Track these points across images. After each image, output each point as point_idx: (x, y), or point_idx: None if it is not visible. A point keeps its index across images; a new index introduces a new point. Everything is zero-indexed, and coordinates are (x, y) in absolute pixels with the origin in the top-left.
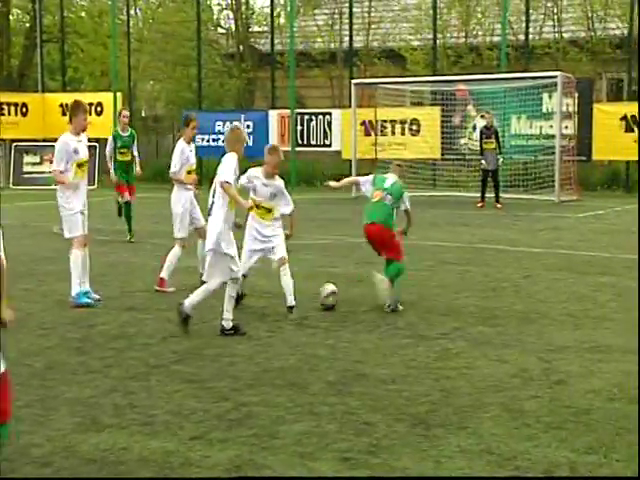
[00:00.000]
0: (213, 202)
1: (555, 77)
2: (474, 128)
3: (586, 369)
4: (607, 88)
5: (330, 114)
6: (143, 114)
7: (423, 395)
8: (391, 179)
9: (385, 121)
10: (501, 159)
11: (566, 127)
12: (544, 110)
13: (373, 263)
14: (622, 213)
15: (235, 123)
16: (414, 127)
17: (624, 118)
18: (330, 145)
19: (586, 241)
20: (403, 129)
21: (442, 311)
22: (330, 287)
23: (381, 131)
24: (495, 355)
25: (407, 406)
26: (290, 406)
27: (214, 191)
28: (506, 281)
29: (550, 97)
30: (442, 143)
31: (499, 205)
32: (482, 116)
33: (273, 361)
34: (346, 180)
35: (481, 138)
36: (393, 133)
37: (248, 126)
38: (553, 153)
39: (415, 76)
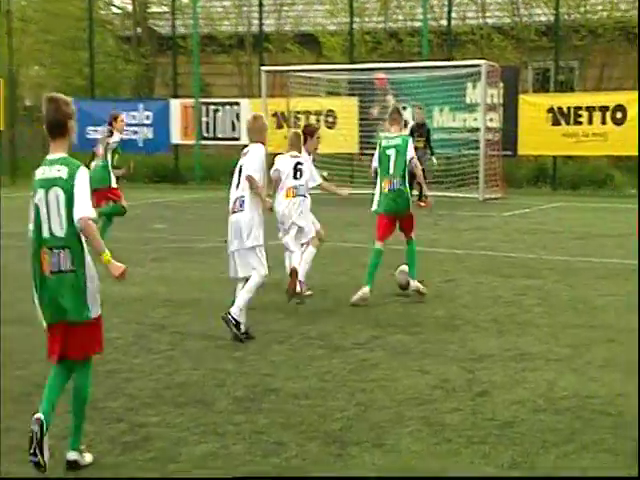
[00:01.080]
0: (242, 197)
1: (479, 66)
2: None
3: (510, 379)
4: (533, 78)
5: (238, 104)
6: (27, 103)
7: (338, 410)
8: (393, 141)
9: (299, 112)
10: (435, 161)
11: (491, 119)
12: (468, 101)
13: (286, 267)
14: (548, 211)
15: (254, 113)
16: (330, 119)
17: (551, 110)
18: (239, 138)
19: (511, 242)
20: (318, 121)
21: (358, 319)
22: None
23: (294, 123)
24: (415, 365)
25: (320, 423)
26: (192, 426)
27: (239, 185)
28: (427, 285)
29: (474, 87)
30: (360, 137)
31: (422, 204)
32: (404, 108)
33: (174, 377)
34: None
35: (412, 136)
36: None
37: (147, 117)
38: (477, 148)
39: (331, 63)
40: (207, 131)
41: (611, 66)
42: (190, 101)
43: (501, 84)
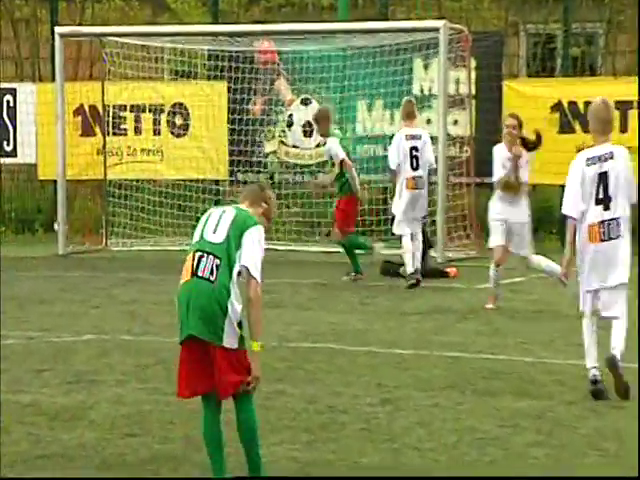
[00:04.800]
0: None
1: (436, 30)
2: (290, 124)
3: None
4: (528, 52)
5: (14, 92)
6: None
7: None
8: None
9: (122, 108)
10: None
11: (456, 122)
12: (416, 91)
13: None
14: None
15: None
16: (178, 120)
17: (558, 107)
18: (14, 152)
19: (492, 334)
20: (157, 122)
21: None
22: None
23: (115, 126)
24: None
25: None
26: None
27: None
28: (348, 411)
29: (427, 68)
30: (231, 151)
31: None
32: (306, 101)
33: None
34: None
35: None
36: (138, 131)
37: None
38: (431, 172)
39: (179, 23)
40: None
41: None
42: None
43: (473, 63)
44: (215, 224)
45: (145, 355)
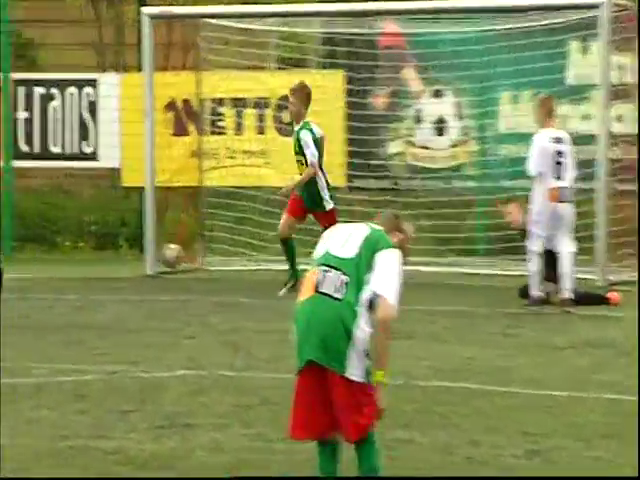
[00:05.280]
0: None
1: (597, 6)
2: (419, 120)
3: None
4: None
5: (94, 83)
6: None
7: None
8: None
9: (221, 102)
10: None
11: (619, 118)
12: (571, 80)
13: None
14: None
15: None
16: (286, 116)
17: None
18: (94, 155)
19: None
20: (262, 119)
21: None
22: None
23: (212, 124)
24: None
25: None
26: None
27: None
28: (488, 463)
29: (584, 52)
30: (349, 152)
31: (567, 308)
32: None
33: None
34: None
35: None
36: (239, 129)
37: None
38: (590, 177)
39: (288, 2)
40: (28, 142)
41: None
42: None
43: None
44: (344, 239)
45: (247, 394)
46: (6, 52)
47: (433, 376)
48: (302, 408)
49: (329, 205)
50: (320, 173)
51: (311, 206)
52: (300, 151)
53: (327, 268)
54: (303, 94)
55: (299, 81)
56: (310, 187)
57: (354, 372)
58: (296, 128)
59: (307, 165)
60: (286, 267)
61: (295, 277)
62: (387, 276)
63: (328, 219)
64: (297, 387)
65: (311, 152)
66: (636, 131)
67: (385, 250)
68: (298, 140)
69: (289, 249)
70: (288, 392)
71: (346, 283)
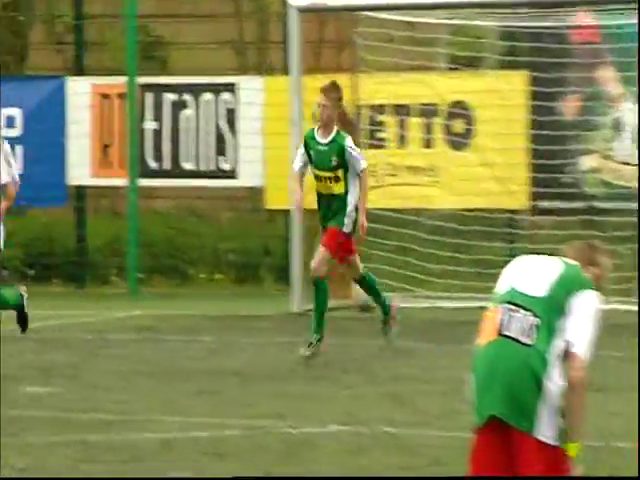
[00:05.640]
0: None
1: None
2: (618, 129)
3: None
4: None
5: (233, 88)
6: None
7: None
8: None
9: (381, 109)
10: None
11: None
12: None
13: None
14: None
15: None
16: (459, 126)
17: None
18: (233, 173)
19: None
20: (429, 130)
21: None
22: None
23: (371, 135)
24: None
25: None
26: None
27: None
28: None
29: None
30: (534, 167)
31: None
32: None
33: None
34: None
35: None
36: (402, 141)
37: (11, 121)
38: None
39: None
40: (156, 156)
41: None
42: (116, 82)
43: None
44: (534, 274)
45: (414, 454)
46: (132, 52)
47: (628, 436)
48: (480, 471)
49: (347, 228)
50: None
51: (329, 219)
52: (337, 166)
53: (513, 307)
54: (338, 96)
55: (330, 81)
56: (339, 199)
57: (546, 433)
58: (323, 139)
59: (343, 181)
60: (456, 304)
61: (385, 312)
62: (582, 326)
63: (336, 240)
64: (475, 446)
65: (364, 160)
66: None
67: (585, 292)
68: (339, 151)
69: (368, 284)
70: (461, 452)
71: (536, 326)
